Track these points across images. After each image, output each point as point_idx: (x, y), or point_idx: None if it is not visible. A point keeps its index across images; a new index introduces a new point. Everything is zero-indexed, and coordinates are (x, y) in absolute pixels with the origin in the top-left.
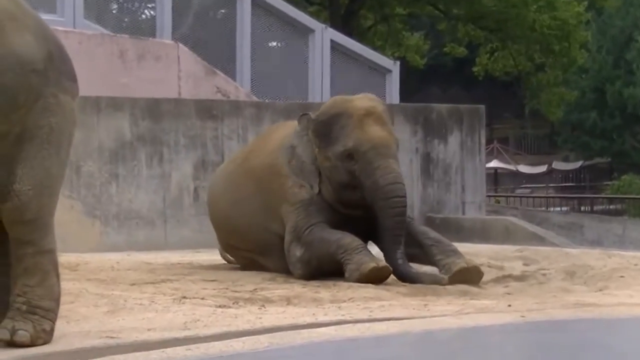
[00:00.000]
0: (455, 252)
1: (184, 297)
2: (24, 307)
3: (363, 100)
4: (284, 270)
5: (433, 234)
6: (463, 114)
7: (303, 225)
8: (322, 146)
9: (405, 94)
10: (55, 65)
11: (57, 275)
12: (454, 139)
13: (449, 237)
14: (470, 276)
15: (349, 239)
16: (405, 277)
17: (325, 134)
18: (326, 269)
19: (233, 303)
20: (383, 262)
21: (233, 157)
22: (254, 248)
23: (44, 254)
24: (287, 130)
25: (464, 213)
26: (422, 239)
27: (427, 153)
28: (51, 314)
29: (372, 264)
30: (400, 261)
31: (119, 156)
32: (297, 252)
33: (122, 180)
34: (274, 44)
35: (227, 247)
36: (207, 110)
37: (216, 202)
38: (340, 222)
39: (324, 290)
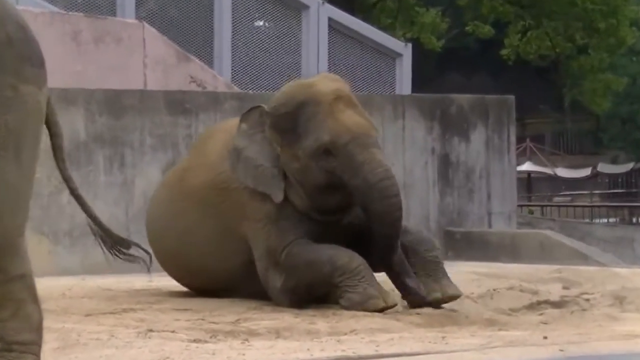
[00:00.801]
0: (437, 274)
1: (151, 330)
2: None
3: (326, 82)
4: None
5: (415, 234)
6: (489, 106)
7: (277, 246)
8: (286, 144)
9: (419, 82)
10: (15, 50)
11: (36, 301)
12: (477, 137)
13: (473, 254)
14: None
15: (345, 257)
16: (410, 293)
17: (289, 129)
18: (318, 295)
19: (210, 337)
20: (392, 298)
21: (165, 181)
22: (216, 284)
23: (14, 280)
24: (225, 134)
25: (490, 226)
26: (410, 251)
27: (446, 154)
28: (32, 346)
29: (381, 303)
30: (408, 281)
31: (71, 160)
32: (277, 281)
33: None
34: (260, 23)
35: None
36: (179, 103)
37: (158, 238)
38: (316, 232)
39: (321, 320)
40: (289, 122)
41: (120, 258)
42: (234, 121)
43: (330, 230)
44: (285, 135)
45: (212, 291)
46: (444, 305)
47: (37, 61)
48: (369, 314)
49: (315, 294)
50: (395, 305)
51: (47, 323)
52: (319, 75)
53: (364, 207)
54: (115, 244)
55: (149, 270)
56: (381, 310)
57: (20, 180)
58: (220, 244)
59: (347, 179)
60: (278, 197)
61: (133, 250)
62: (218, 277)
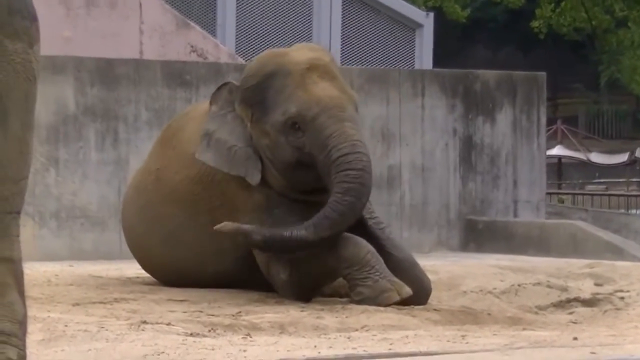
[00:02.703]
0: (409, 271)
1: (144, 322)
2: None
3: (302, 52)
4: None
5: (394, 242)
6: (517, 83)
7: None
8: (255, 119)
9: (441, 56)
10: (1, 1)
11: (21, 292)
12: (504, 117)
13: (497, 246)
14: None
15: (350, 246)
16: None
17: (258, 102)
18: (326, 286)
19: (209, 331)
20: (406, 289)
21: (136, 184)
22: (211, 283)
23: (1, 262)
24: (197, 122)
25: (516, 216)
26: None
27: (469, 136)
28: (14, 339)
29: (395, 296)
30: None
31: (59, 135)
32: (281, 273)
33: (63, 166)
34: None
35: None
36: (178, 74)
37: (141, 246)
38: (308, 216)
39: (329, 315)
40: (257, 95)
41: None
42: (203, 106)
43: (313, 211)
44: (255, 110)
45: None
46: (465, 301)
47: (27, 14)
48: (381, 308)
49: (322, 285)
50: (410, 295)
51: (31, 312)
52: (296, 45)
53: (328, 185)
54: None
55: None
56: (395, 304)
57: (8, 149)
58: (212, 242)
59: (314, 154)
60: (255, 178)
61: None
62: (213, 276)
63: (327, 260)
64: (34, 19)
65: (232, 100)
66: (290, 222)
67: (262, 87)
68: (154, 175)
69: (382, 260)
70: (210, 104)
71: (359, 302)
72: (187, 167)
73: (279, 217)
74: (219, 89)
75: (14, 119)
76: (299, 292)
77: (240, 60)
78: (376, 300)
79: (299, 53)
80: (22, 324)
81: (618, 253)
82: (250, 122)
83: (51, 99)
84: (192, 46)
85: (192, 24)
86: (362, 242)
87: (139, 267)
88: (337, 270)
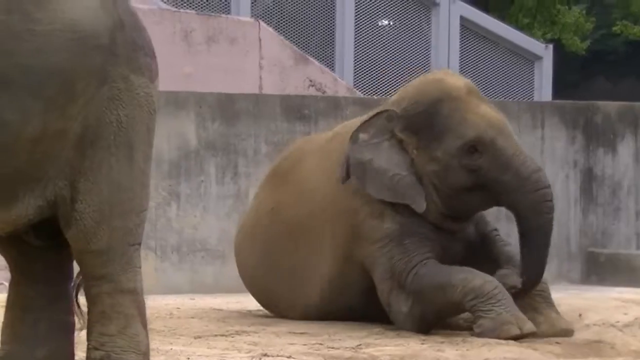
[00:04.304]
0: (544, 308)
1: (265, 355)
2: None
3: (454, 78)
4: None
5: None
6: (638, 114)
7: (403, 268)
8: (422, 145)
9: (561, 87)
10: (127, 38)
11: (144, 324)
12: (625, 149)
13: (619, 279)
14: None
15: (479, 280)
16: None
17: (425, 128)
18: (447, 320)
19: None
20: (529, 326)
21: (250, 222)
22: (334, 318)
23: (125, 293)
24: (314, 157)
25: (638, 248)
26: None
27: (589, 167)
28: None
29: (515, 330)
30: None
31: (180, 169)
32: (402, 305)
33: (184, 201)
34: (385, 22)
35: None
36: (297, 108)
37: (261, 287)
38: (436, 249)
39: (450, 348)
40: (424, 121)
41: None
42: (317, 140)
43: (449, 245)
44: (421, 136)
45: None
46: (587, 334)
47: (148, 51)
48: (503, 342)
49: (445, 318)
50: (534, 332)
51: (154, 344)
52: (436, 71)
53: (514, 203)
54: None
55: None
56: (515, 339)
57: (133, 181)
58: (336, 276)
59: (494, 176)
60: (421, 206)
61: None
62: (337, 310)
63: (454, 293)
64: (153, 55)
65: (388, 129)
66: (419, 255)
67: (429, 113)
68: (270, 215)
69: (510, 297)
70: (359, 132)
71: (479, 335)
72: (307, 201)
73: (409, 248)
74: (371, 118)
75: (138, 151)
76: (419, 326)
77: (359, 94)
78: (495, 332)
79: (452, 78)
80: (146, 355)
81: None
82: (416, 148)
83: (173, 134)
84: (310, 80)
85: (311, 58)
86: (490, 278)
87: None
88: (462, 304)
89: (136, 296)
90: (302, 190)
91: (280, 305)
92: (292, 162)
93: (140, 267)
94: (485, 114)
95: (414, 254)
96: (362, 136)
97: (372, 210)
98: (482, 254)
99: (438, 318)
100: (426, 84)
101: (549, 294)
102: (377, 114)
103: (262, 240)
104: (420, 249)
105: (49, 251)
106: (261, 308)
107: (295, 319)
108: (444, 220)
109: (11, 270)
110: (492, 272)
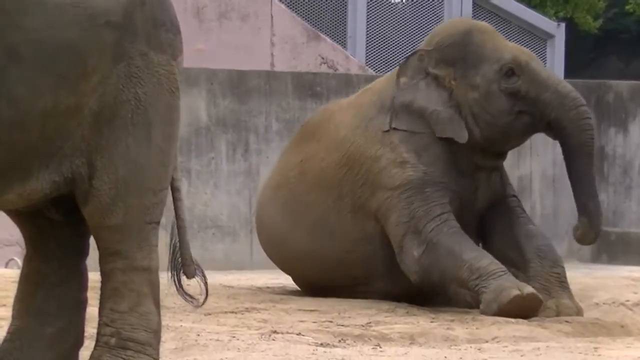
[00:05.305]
0: (557, 293)
1: (275, 332)
2: (113, 341)
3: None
4: (392, 297)
5: (542, 241)
6: None
7: (423, 215)
8: (460, 75)
9: (573, 66)
10: (147, 13)
11: (157, 302)
12: (637, 128)
13: (629, 258)
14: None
15: (486, 261)
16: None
17: (459, 59)
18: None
19: (339, 341)
20: (529, 289)
21: (275, 180)
22: (353, 279)
23: (138, 271)
24: (342, 112)
25: None
26: (525, 244)
27: (601, 146)
28: (148, 348)
29: (515, 292)
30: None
31: (191, 146)
32: (414, 250)
33: (195, 177)
34: (397, 0)
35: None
36: (309, 86)
37: (284, 244)
38: (454, 206)
39: (459, 326)
40: (457, 52)
41: (176, 289)
42: (342, 101)
43: (469, 199)
44: (457, 67)
45: (341, 289)
46: (597, 313)
47: (172, 27)
48: (512, 320)
49: (446, 287)
50: (532, 294)
51: (164, 321)
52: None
53: (556, 120)
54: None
55: (200, 304)
56: (513, 301)
57: (151, 159)
58: (356, 226)
59: (534, 95)
60: (463, 136)
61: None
62: (361, 263)
63: (459, 270)
64: (177, 31)
65: (422, 68)
66: (439, 205)
67: (462, 44)
68: (298, 168)
69: (511, 275)
70: (399, 76)
71: (484, 312)
72: (334, 151)
73: (430, 196)
74: (406, 60)
75: (157, 130)
76: (422, 276)
77: (370, 72)
78: (497, 300)
79: (476, 21)
80: (157, 333)
81: None
82: (454, 79)
83: (184, 110)
84: (322, 58)
85: (323, 35)
86: (494, 259)
87: (270, 277)
88: (467, 282)
89: (150, 274)
90: (332, 141)
91: (298, 264)
92: (320, 120)
93: (156, 246)
94: (514, 45)
95: (434, 203)
96: (402, 79)
97: (395, 157)
98: (498, 225)
99: (441, 280)
100: (454, 22)
101: (565, 277)
102: (410, 56)
103: (286, 197)
104: (441, 199)
105: (65, 228)
106: (271, 285)
107: (312, 277)
108: (477, 155)
109: (27, 245)
110: (503, 241)
